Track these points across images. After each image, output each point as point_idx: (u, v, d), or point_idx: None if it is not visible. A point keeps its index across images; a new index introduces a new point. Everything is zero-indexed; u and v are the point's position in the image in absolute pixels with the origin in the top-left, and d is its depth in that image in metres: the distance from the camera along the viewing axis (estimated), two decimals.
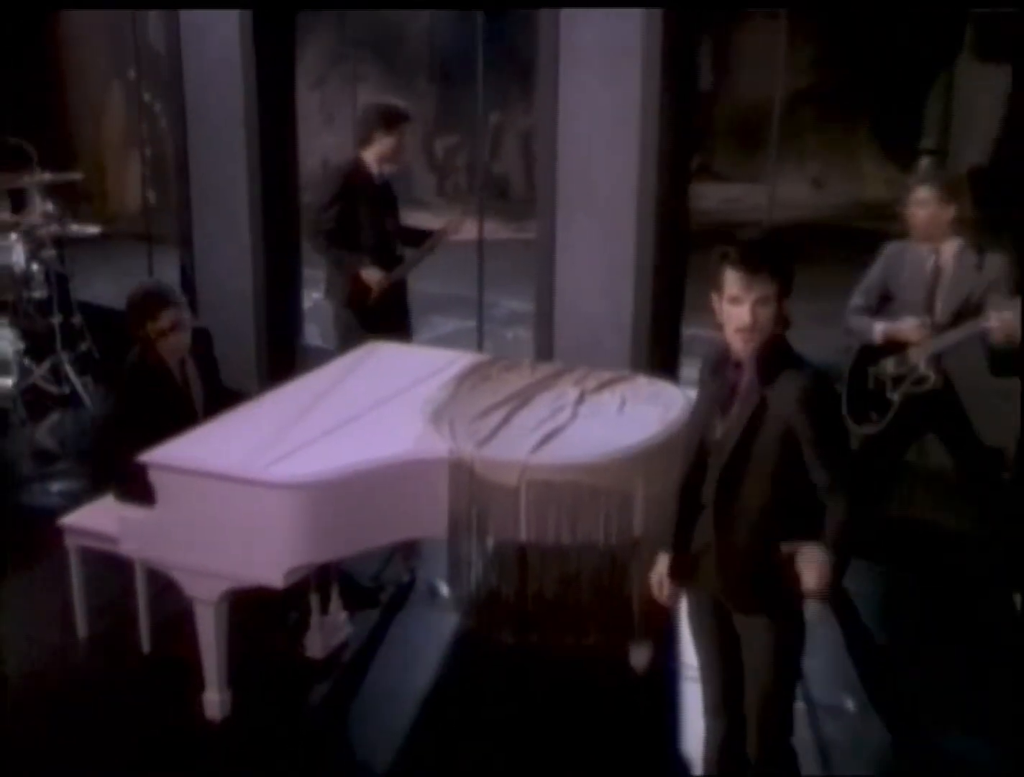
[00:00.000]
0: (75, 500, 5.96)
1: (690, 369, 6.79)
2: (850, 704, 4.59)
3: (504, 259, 7.33)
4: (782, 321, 3.18)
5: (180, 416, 4.77)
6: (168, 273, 8.39)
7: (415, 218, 7.78)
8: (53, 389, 7.59)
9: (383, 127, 6.09)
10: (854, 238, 11.11)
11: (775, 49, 6.81)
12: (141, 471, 4.41)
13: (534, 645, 4.52)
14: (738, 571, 3.26)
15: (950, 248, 4.98)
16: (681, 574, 3.45)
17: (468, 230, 6.67)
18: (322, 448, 4.45)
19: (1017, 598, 5.17)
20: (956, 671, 4.84)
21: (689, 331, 6.95)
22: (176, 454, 4.40)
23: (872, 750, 4.33)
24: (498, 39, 7.97)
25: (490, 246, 7.39)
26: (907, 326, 4.99)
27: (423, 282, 6.66)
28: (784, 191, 11.42)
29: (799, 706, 4.04)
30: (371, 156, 6.12)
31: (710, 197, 7.70)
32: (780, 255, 3.18)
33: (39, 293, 7.59)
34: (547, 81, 6.53)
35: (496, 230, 7.67)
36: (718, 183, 12.18)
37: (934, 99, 10.69)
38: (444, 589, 5.42)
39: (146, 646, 4.95)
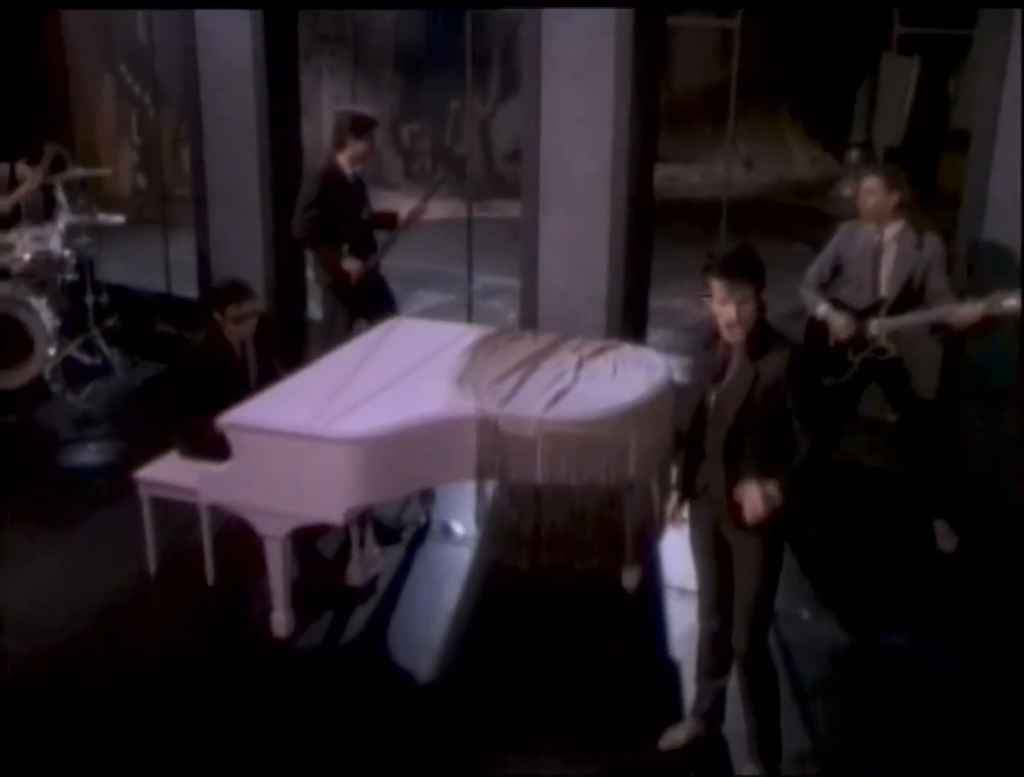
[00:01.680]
0: (112, 456, 6.94)
1: (655, 336, 7.63)
2: (804, 613, 5.43)
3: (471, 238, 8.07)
4: (761, 309, 3.92)
5: (237, 388, 5.43)
6: (179, 256, 9.07)
7: (386, 200, 8.42)
8: (87, 360, 8.23)
9: (354, 133, 6.71)
10: (782, 213, 12.00)
11: (710, 40, 7.49)
12: (208, 432, 5.11)
13: (545, 568, 5.30)
14: (733, 502, 3.97)
15: (893, 229, 5.64)
16: (688, 503, 4.21)
17: (437, 209, 7.28)
18: (369, 409, 5.15)
19: (937, 524, 6.01)
20: (889, 583, 5.69)
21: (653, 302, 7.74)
22: (251, 416, 5.11)
23: (822, 649, 5.14)
24: (457, 34, 8.52)
25: (456, 224, 8.01)
26: (838, 323, 5.68)
27: (407, 259, 7.29)
28: (718, 170, 12.26)
29: None
30: (344, 158, 6.75)
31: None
32: (753, 263, 3.89)
33: (71, 276, 8.17)
34: (531, 88, 7.26)
35: (459, 209, 8.28)
36: (658, 163, 12.92)
37: (861, 94, 11.46)
38: (456, 527, 6.24)
39: (210, 578, 5.64)
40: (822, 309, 5.77)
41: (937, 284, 5.55)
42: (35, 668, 4.97)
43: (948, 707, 4.74)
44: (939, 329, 5.63)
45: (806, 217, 11.01)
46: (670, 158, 13.15)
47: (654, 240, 7.69)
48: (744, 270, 3.83)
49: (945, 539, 5.98)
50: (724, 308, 3.84)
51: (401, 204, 7.25)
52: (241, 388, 5.45)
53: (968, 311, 5.32)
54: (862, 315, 5.70)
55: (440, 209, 7.00)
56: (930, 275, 5.56)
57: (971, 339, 5.89)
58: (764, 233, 10.32)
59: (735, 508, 3.94)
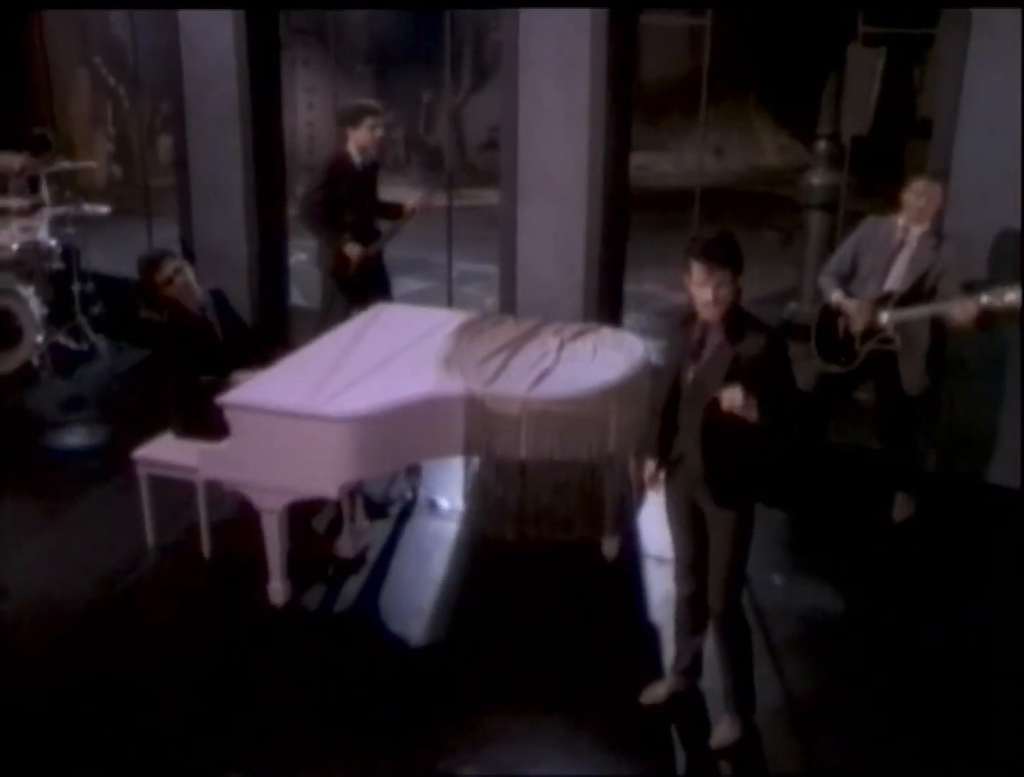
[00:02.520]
0: (103, 437, 7.32)
1: (629, 320, 7.99)
2: (777, 579, 5.82)
3: (445, 224, 8.42)
4: (737, 293, 4.23)
5: (210, 358, 5.81)
6: (160, 244, 9.31)
7: None
8: (74, 346, 8.57)
9: (350, 123, 7.08)
10: (752, 200, 12.42)
11: (680, 32, 7.84)
12: (203, 413, 5.45)
13: (529, 539, 5.66)
14: (715, 473, 4.31)
15: (918, 230, 5.93)
16: (662, 472, 4.56)
17: (411, 198, 7.62)
18: (362, 389, 5.48)
19: (899, 496, 6.42)
20: (855, 552, 6.11)
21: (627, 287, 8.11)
22: (250, 396, 5.43)
23: (793, 613, 5.53)
24: (429, 28, 8.81)
25: (433, 212, 8.32)
26: (852, 308, 5.99)
27: (387, 248, 7.58)
28: (690, 159, 12.66)
29: None
30: (352, 147, 7.09)
31: None
32: (731, 249, 4.19)
33: (58, 265, 8.48)
34: (508, 83, 7.62)
35: (438, 199, 8.58)
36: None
37: (828, 85, 11.82)
38: (442, 502, 6.60)
39: (207, 551, 5.97)
40: (836, 295, 6.09)
41: (948, 289, 5.82)
42: (38, 639, 5.29)
43: (911, 664, 5.14)
44: (941, 326, 5.97)
45: (775, 204, 11.42)
46: (642, 147, 13.49)
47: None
48: (722, 255, 4.14)
49: (902, 508, 6.38)
50: (702, 290, 4.15)
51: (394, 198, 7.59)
52: (212, 354, 5.85)
53: (972, 304, 5.60)
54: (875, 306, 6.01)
55: (413, 198, 7.34)
56: (943, 280, 5.85)
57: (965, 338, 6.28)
58: (734, 220, 10.72)
59: (709, 479, 4.30)
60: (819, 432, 6.41)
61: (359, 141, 7.07)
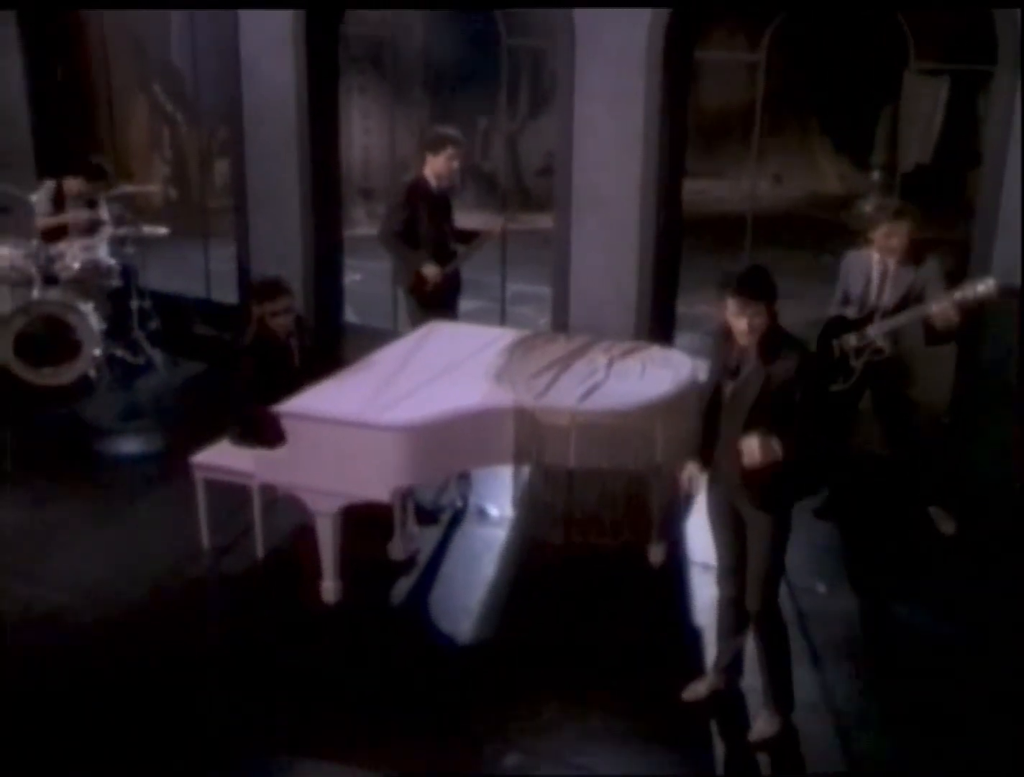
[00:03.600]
0: (159, 443, 7.89)
1: (682, 340, 8.39)
2: (820, 586, 6.18)
3: (499, 246, 8.82)
4: (772, 318, 4.64)
5: (285, 377, 6.24)
6: (215, 264, 9.94)
7: None
8: (131, 359, 9.18)
9: (430, 150, 7.59)
10: (811, 226, 12.82)
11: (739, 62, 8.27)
12: (260, 421, 5.91)
13: (577, 544, 6.14)
14: (752, 480, 4.70)
15: (893, 260, 6.42)
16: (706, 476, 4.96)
17: (467, 221, 8.11)
18: (414, 401, 5.93)
19: (933, 510, 6.82)
20: (894, 561, 6.50)
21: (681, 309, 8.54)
22: (308, 406, 5.88)
23: (834, 618, 5.89)
24: (486, 56, 9.33)
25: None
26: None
27: None
28: (746, 185, 13.08)
29: (784, 589, 5.54)
30: (429, 172, 7.60)
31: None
32: (763, 282, 4.63)
33: (117, 282, 9.07)
34: (564, 111, 8.15)
35: (490, 221, 9.02)
36: (686, 178, 13.82)
37: (884, 115, 12.29)
38: (492, 510, 7.04)
39: (260, 552, 6.43)
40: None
41: (932, 296, 6.30)
42: (100, 631, 5.76)
43: (946, 667, 5.52)
44: (934, 333, 6.37)
45: (834, 230, 11.78)
46: (699, 173, 13.94)
47: (682, 251, 8.51)
48: (755, 289, 4.59)
49: (945, 522, 6.78)
50: (737, 320, 4.61)
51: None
52: (289, 376, 6.27)
53: (945, 300, 6.13)
54: (859, 324, 6.53)
55: (473, 221, 7.80)
56: (927, 289, 6.34)
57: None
58: (793, 245, 11.17)
59: (747, 486, 4.70)
60: (839, 447, 6.83)
61: (436, 168, 7.56)
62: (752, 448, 4.52)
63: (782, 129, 14.62)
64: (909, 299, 6.39)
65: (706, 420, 4.92)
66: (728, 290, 4.59)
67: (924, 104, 13.11)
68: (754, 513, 4.78)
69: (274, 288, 6.51)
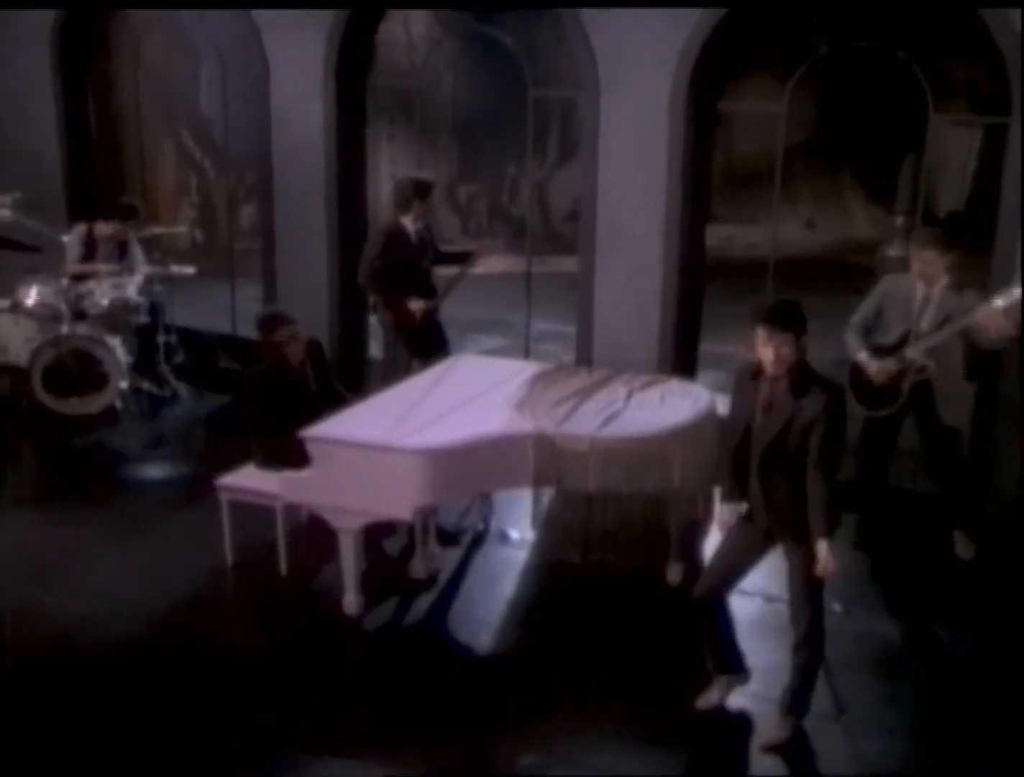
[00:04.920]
0: (184, 469, 8.45)
1: (707, 377, 8.83)
2: (837, 606, 6.50)
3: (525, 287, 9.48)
4: (801, 350, 5.05)
5: (301, 402, 6.74)
6: (240, 303, 10.52)
7: None
8: (157, 392, 9.81)
9: (418, 197, 8.17)
10: (844, 270, 13.30)
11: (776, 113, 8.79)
12: (284, 446, 6.41)
13: (595, 564, 6.62)
14: (780, 514, 5.15)
15: (938, 287, 6.82)
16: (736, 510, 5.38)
17: (495, 264, 8.65)
18: (437, 427, 6.39)
19: (957, 535, 7.21)
20: (914, 585, 6.91)
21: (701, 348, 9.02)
22: (334, 431, 6.35)
23: (849, 636, 6.27)
24: (514, 104, 9.91)
25: (514, 277, 9.35)
26: (872, 369, 6.90)
27: (468, 308, 8.60)
28: (780, 231, 13.61)
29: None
30: (407, 218, 8.18)
31: (709, 235, 9.76)
32: (792, 314, 5.04)
33: (144, 319, 9.66)
34: (589, 158, 8.74)
35: (517, 264, 9.53)
36: (714, 224, 14.36)
37: (906, 164, 12.81)
38: (513, 533, 7.49)
39: (283, 570, 6.88)
40: (862, 356, 7.00)
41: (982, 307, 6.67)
42: (124, 641, 6.20)
43: (960, 681, 5.93)
44: (974, 362, 6.91)
45: (865, 274, 12.28)
46: (729, 219, 14.56)
47: (710, 293, 9.02)
48: (783, 320, 5.01)
49: (964, 547, 7.17)
50: (765, 350, 5.03)
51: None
52: (304, 401, 6.76)
53: (991, 310, 6.49)
54: (893, 350, 6.90)
55: (500, 263, 8.29)
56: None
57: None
58: (824, 289, 11.64)
59: (783, 522, 5.18)
60: (877, 474, 7.26)
61: (418, 213, 8.20)
62: (821, 564, 5.00)
63: (814, 176, 15.22)
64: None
65: (734, 459, 5.31)
66: (757, 320, 5.01)
67: (957, 153, 13.62)
68: (789, 544, 5.22)
69: (273, 320, 7.05)
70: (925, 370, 6.84)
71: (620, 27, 8.33)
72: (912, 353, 6.83)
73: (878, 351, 6.95)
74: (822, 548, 4.98)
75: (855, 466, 7.14)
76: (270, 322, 7.04)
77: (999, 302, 6.50)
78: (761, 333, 5.01)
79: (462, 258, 8.49)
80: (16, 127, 10.81)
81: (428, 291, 8.27)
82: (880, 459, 7.25)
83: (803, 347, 5.05)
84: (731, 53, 8.51)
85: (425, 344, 8.22)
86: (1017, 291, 6.48)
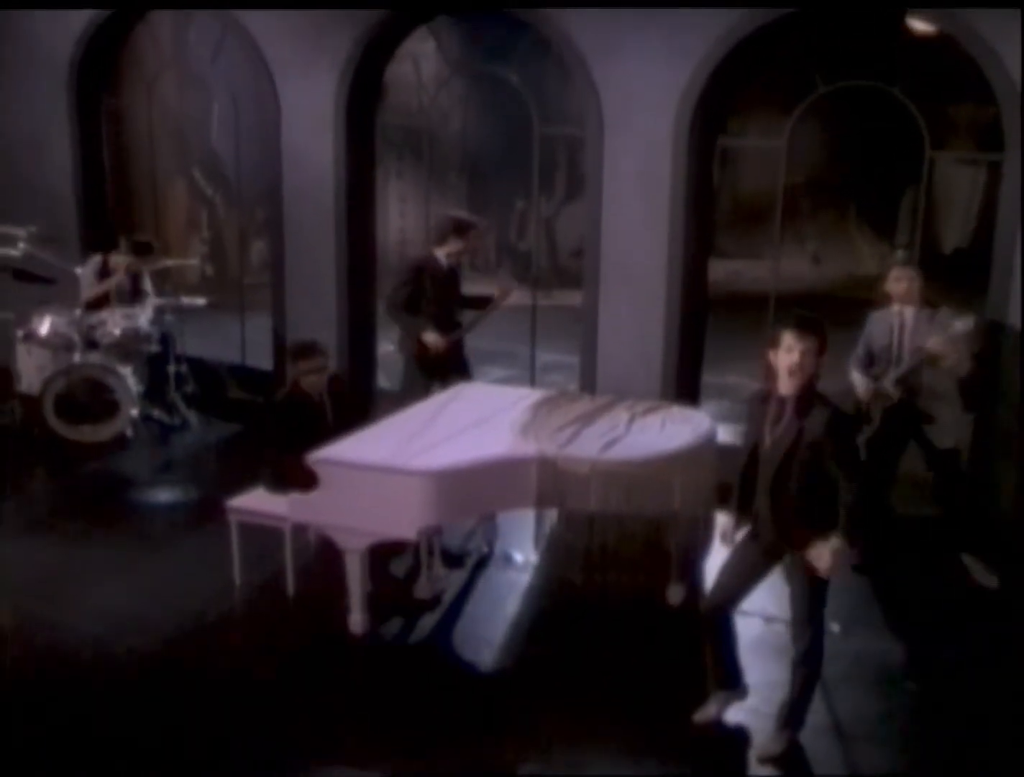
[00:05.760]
0: (193, 494, 8.69)
1: (710, 406, 9.03)
2: (835, 627, 6.66)
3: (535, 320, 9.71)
4: (815, 372, 5.23)
5: (318, 431, 6.90)
6: (250, 335, 10.81)
7: None
8: (167, 420, 10.05)
9: (455, 233, 8.37)
10: (849, 305, 13.53)
11: (776, 148, 9.05)
12: (293, 470, 6.60)
13: (597, 583, 6.82)
14: (787, 527, 5.32)
15: (911, 310, 7.25)
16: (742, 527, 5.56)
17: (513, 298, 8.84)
18: (442, 450, 6.58)
19: (966, 557, 7.43)
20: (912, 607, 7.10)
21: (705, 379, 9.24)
22: (342, 453, 6.54)
23: (845, 655, 6.44)
24: (522, 142, 10.19)
25: (522, 310, 9.58)
26: (856, 381, 7.34)
27: (475, 339, 8.81)
28: (786, 266, 13.88)
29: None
30: (441, 252, 8.37)
31: (717, 270, 10.00)
32: (820, 325, 5.27)
33: (156, 348, 9.93)
34: (594, 193, 9.00)
35: (524, 297, 9.75)
36: (722, 259, 14.66)
37: (905, 199, 13.11)
38: (517, 556, 7.67)
39: (291, 590, 7.08)
40: (855, 377, 7.41)
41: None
42: (132, 658, 6.37)
43: (954, 702, 6.11)
44: (969, 396, 7.37)
45: (869, 309, 12.56)
46: (736, 255, 14.82)
47: (717, 326, 9.27)
48: (812, 327, 5.22)
49: (983, 575, 7.37)
50: (789, 355, 5.18)
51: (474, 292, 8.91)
52: (322, 431, 6.92)
53: (938, 338, 6.98)
54: (879, 377, 7.31)
55: (483, 288, 8.58)
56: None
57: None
58: (829, 323, 11.84)
59: (780, 536, 5.34)
60: (880, 499, 7.44)
61: (454, 249, 8.37)
62: (824, 558, 5.15)
63: (821, 213, 15.48)
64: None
65: (743, 476, 5.50)
66: (785, 326, 5.21)
67: (962, 190, 13.87)
68: (793, 557, 5.37)
69: (310, 348, 7.26)
70: (888, 398, 7.22)
71: (623, 65, 8.62)
72: (885, 383, 7.22)
73: (869, 370, 7.38)
74: (835, 543, 5.13)
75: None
76: (307, 349, 7.25)
77: (957, 327, 6.95)
78: (787, 339, 5.17)
79: (483, 303, 8.60)
80: (32, 163, 11.07)
81: (452, 325, 8.43)
82: (880, 483, 7.44)
83: (821, 364, 5.23)
84: (732, 91, 8.76)
85: (447, 373, 8.31)
86: (970, 321, 6.97)
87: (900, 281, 7.27)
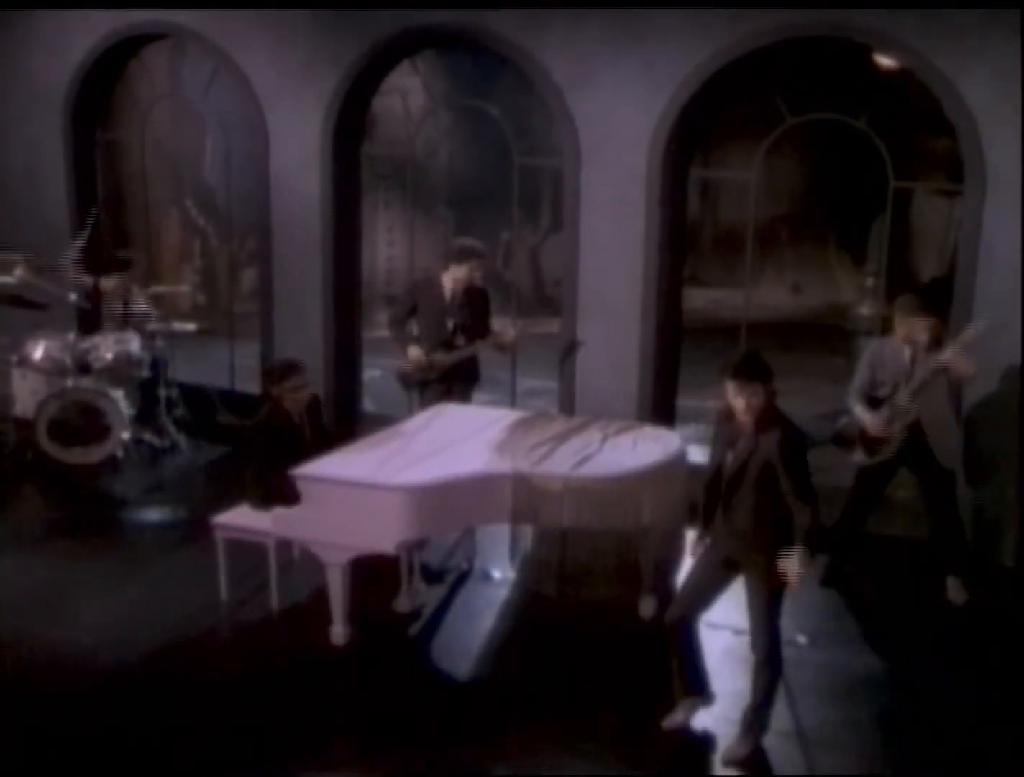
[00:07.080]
0: (182, 513, 8.93)
1: (687, 429, 9.26)
2: (801, 639, 6.97)
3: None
4: (771, 396, 5.48)
5: (296, 449, 7.14)
6: (239, 360, 11.05)
7: None
8: (158, 443, 10.24)
9: (456, 260, 8.63)
10: (826, 332, 13.89)
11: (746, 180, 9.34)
12: (277, 488, 6.85)
13: (570, 596, 7.05)
14: (741, 541, 5.58)
15: (922, 344, 7.27)
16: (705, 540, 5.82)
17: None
18: (420, 467, 6.82)
19: (950, 580, 7.57)
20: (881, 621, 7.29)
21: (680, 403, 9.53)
22: (323, 470, 6.79)
23: (811, 665, 6.71)
24: (507, 175, 10.46)
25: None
26: (867, 420, 7.33)
27: None
28: (766, 295, 14.18)
29: None
30: (446, 277, 8.65)
31: (697, 299, 10.25)
32: (758, 365, 5.48)
33: (147, 373, 10.15)
34: (571, 223, 9.33)
35: (506, 324, 9.96)
36: (703, 288, 14.98)
37: (875, 227, 13.43)
38: (495, 573, 7.88)
39: (275, 604, 7.30)
40: (858, 410, 7.46)
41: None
42: (121, 671, 6.58)
43: (918, 711, 6.35)
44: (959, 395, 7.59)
45: (847, 336, 12.90)
46: (715, 283, 15.10)
47: (697, 352, 9.60)
48: (749, 372, 5.44)
49: (957, 593, 7.55)
50: (736, 400, 5.47)
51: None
52: (300, 449, 7.15)
53: (952, 348, 7.05)
54: (883, 402, 7.37)
55: (495, 324, 8.82)
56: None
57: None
58: (808, 350, 12.23)
59: (734, 548, 5.63)
60: (859, 522, 7.70)
61: (456, 275, 8.62)
62: (792, 567, 5.35)
63: (800, 243, 15.77)
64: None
65: (708, 493, 5.75)
66: (726, 375, 5.46)
67: (938, 221, 14.16)
68: (749, 570, 5.62)
69: (294, 367, 7.50)
70: (908, 413, 7.24)
71: (599, 98, 8.92)
72: (899, 399, 7.25)
73: (872, 403, 7.40)
74: (796, 553, 5.33)
75: (837, 514, 7.57)
76: (288, 369, 7.48)
77: (968, 333, 7.06)
78: (731, 387, 5.43)
79: (498, 342, 8.78)
80: (27, 192, 11.31)
81: (443, 345, 8.60)
82: (864, 506, 7.67)
83: (771, 392, 5.47)
84: (705, 123, 9.05)
85: (438, 395, 8.50)
86: (980, 324, 7.08)
87: (924, 332, 7.22)
